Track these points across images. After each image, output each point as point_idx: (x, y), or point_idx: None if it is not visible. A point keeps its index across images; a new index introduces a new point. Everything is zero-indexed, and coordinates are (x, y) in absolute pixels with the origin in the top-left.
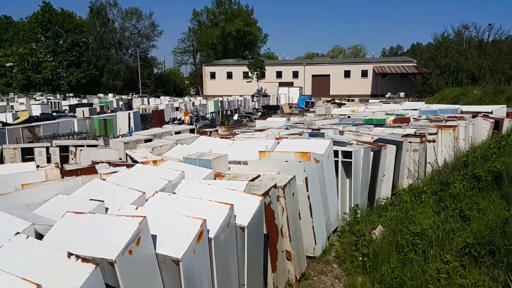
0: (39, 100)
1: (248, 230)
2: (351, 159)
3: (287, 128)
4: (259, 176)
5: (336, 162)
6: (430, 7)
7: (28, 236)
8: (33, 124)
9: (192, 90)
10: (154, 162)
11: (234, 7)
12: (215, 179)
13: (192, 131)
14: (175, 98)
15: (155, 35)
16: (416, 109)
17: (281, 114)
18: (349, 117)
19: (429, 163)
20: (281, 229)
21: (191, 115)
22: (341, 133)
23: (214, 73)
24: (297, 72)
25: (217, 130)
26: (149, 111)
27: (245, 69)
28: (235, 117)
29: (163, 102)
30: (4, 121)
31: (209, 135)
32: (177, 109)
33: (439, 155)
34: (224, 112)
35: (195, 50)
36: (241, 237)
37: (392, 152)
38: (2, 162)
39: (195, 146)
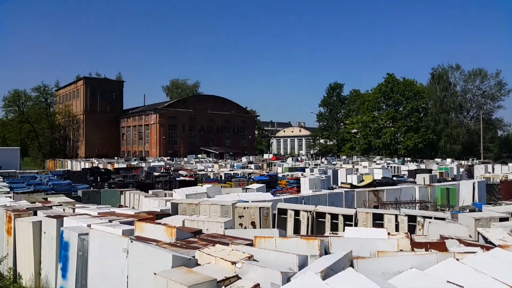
0: (379, 163)
1: None
2: None
3: None
4: None
5: None
6: None
7: None
8: (377, 188)
9: None
10: None
11: None
12: None
13: None
14: None
15: (502, 94)
16: None
17: None
18: None
19: None
20: None
21: None
22: None
23: None
24: None
25: None
26: (495, 180)
27: None
28: None
29: None
30: (351, 182)
31: None
32: None
33: None
34: None
35: None
36: None
37: None
38: (356, 224)
39: None
